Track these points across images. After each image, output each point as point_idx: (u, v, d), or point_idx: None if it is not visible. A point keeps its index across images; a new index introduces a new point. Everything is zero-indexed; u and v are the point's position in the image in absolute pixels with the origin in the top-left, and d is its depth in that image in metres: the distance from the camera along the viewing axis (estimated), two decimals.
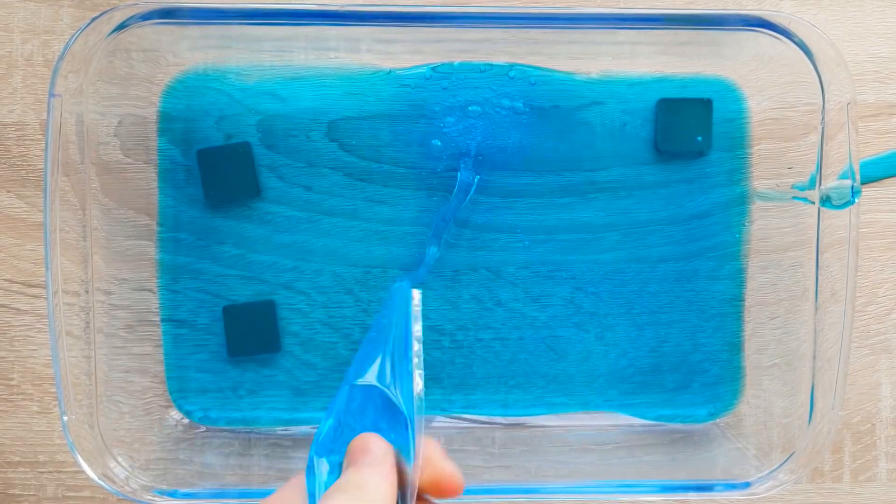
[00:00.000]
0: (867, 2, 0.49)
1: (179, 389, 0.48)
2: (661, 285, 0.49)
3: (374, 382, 0.35)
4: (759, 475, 0.46)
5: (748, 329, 0.49)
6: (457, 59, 0.48)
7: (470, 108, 0.48)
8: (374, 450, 0.33)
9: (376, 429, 0.35)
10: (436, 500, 0.35)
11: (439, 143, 0.48)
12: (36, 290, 0.48)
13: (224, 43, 0.47)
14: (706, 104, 0.48)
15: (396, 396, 0.35)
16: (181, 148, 0.48)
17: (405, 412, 0.35)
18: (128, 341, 0.47)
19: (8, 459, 0.49)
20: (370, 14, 0.44)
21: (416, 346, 0.37)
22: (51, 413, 0.49)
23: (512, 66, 0.48)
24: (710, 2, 0.49)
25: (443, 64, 0.48)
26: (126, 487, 0.44)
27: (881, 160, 0.50)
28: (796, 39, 0.45)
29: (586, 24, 0.45)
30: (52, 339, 0.43)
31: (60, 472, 0.49)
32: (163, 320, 0.48)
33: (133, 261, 0.47)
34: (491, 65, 0.48)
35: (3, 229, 0.48)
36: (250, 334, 0.48)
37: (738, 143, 0.49)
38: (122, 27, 0.43)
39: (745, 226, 0.49)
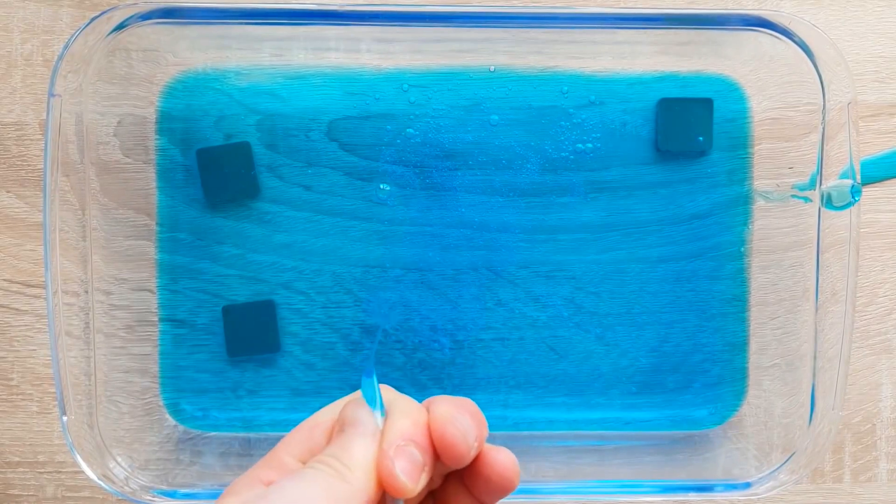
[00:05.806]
0: (868, 1, 0.49)
1: (178, 389, 0.48)
2: (661, 285, 0.49)
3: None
4: (760, 475, 0.46)
5: (748, 329, 0.49)
6: (457, 60, 0.48)
7: (470, 109, 0.48)
8: (365, 422, 0.32)
9: None
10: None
11: (439, 143, 0.48)
12: (36, 290, 0.48)
13: (224, 43, 0.47)
14: (707, 104, 0.48)
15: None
16: (181, 148, 0.48)
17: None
18: (127, 341, 0.47)
19: (7, 459, 0.49)
20: (370, 14, 0.44)
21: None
22: (50, 413, 0.49)
23: (512, 70, 0.48)
24: (711, 2, 0.49)
25: (444, 65, 0.48)
26: (126, 487, 0.44)
27: (881, 160, 0.50)
28: (797, 39, 0.44)
29: (586, 24, 0.45)
30: (51, 340, 0.42)
31: (60, 472, 0.49)
32: (162, 320, 0.48)
33: (133, 261, 0.47)
34: (493, 67, 0.48)
35: (2, 229, 0.48)
36: (250, 334, 0.48)
37: (738, 142, 0.49)
38: (121, 27, 0.43)
39: (745, 226, 0.49)
